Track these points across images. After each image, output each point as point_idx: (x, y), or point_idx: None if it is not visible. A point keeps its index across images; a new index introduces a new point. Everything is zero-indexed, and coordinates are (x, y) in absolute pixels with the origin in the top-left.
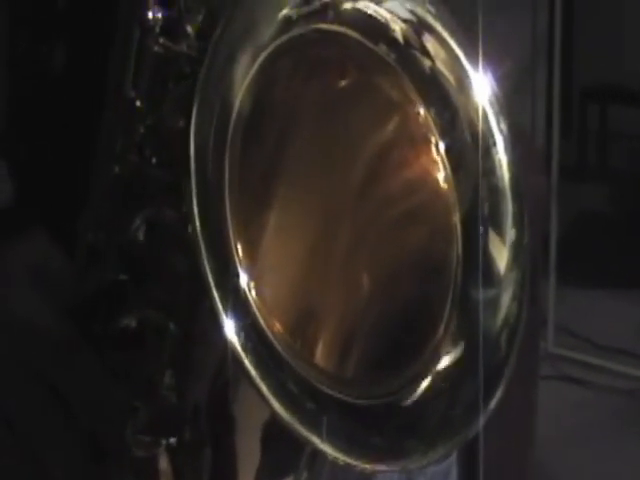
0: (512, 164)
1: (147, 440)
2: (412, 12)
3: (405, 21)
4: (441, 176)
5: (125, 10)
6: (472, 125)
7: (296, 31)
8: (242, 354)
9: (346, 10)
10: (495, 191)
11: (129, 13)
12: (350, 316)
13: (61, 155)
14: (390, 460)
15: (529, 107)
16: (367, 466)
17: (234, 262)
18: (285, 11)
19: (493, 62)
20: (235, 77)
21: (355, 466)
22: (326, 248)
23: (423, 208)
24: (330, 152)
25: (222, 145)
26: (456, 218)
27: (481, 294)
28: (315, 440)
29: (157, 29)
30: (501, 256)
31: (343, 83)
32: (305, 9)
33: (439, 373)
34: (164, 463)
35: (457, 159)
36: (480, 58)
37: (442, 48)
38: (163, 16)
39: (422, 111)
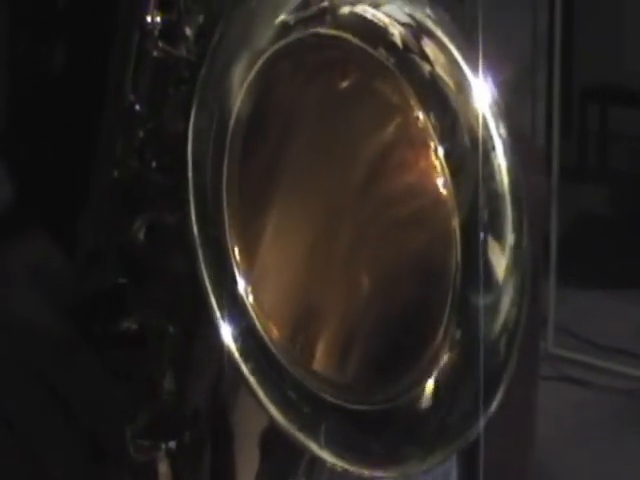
0: (511, 168)
1: (147, 444)
2: (411, 16)
3: (404, 25)
4: (440, 181)
5: (125, 14)
6: (472, 130)
7: (294, 36)
8: (240, 359)
9: (344, 14)
10: (494, 196)
11: (129, 17)
12: (349, 319)
13: (61, 156)
14: (388, 466)
15: (529, 107)
16: (365, 472)
17: (232, 268)
18: (282, 16)
19: (493, 65)
20: (233, 82)
21: (353, 472)
22: (325, 251)
23: (422, 212)
24: (329, 155)
25: (221, 151)
26: (455, 223)
27: (482, 300)
28: (313, 446)
29: (156, 33)
30: (500, 262)
31: (342, 87)
32: (302, 14)
33: (437, 379)
34: (164, 467)
35: (456, 164)
36: (480, 58)
37: (441, 53)
38: (162, 20)
39: (421, 116)
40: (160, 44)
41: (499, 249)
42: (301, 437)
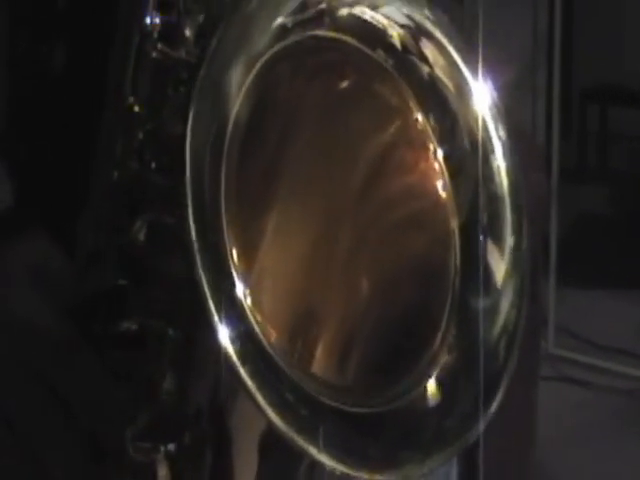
0: (511, 170)
1: (146, 446)
2: (409, 17)
3: (403, 27)
4: (439, 183)
5: (124, 15)
6: (471, 132)
7: (292, 39)
8: (238, 363)
9: (342, 16)
10: (494, 198)
11: (128, 18)
12: (348, 322)
13: (61, 156)
14: (387, 469)
15: (529, 107)
16: (364, 475)
17: (230, 272)
18: (280, 19)
19: (493, 67)
20: (231, 87)
21: (352, 476)
22: (324, 254)
23: (421, 214)
24: (328, 158)
25: (219, 155)
26: (454, 225)
27: (481, 302)
28: (312, 450)
29: (155, 35)
30: (499, 265)
31: (341, 89)
32: (300, 17)
33: (436, 381)
34: (163, 470)
35: (456, 166)
36: (480, 59)
37: (441, 54)
38: (162, 22)
39: (420, 117)
40: (159, 46)
41: (498, 252)
42: (299, 440)
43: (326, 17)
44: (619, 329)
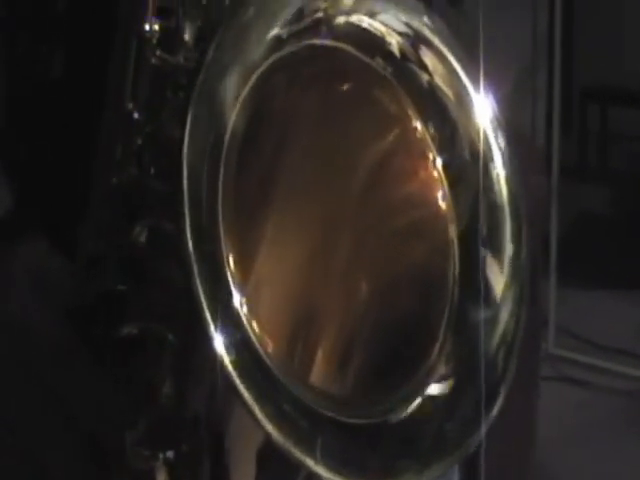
0: (510, 177)
1: (145, 453)
2: (408, 25)
3: (401, 34)
4: (438, 192)
5: (123, 22)
6: (471, 141)
7: (288, 49)
8: (234, 374)
9: (340, 24)
10: (493, 207)
11: (127, 25)
12: (347, 329)
13: (61, 161)
14: None
15: (529, 107)
16: None
17: (227, 281)
18: (275, 31)
19: (493, 72)
20: (228, 95)
21: None
22: (322, 262)
23: (420, 223)
24: (327, 166)
25: (216, 165)
26: (453, 234)
27: (482, 313)
28: (309, 462)
29: (154, 41)
30: (498, 276)
31: (339, 97)
32: (296, 27)
33: (433, 393)
34: (161, 476)
35: (455, 175)
36: (481, 64)
37: (440, 62)
38: (160, 28)
39: (419, 126)
40: (158, 52)
41: (497, 264)
42: (297, 452)
43: (323, 25)
44: (619, 329)
